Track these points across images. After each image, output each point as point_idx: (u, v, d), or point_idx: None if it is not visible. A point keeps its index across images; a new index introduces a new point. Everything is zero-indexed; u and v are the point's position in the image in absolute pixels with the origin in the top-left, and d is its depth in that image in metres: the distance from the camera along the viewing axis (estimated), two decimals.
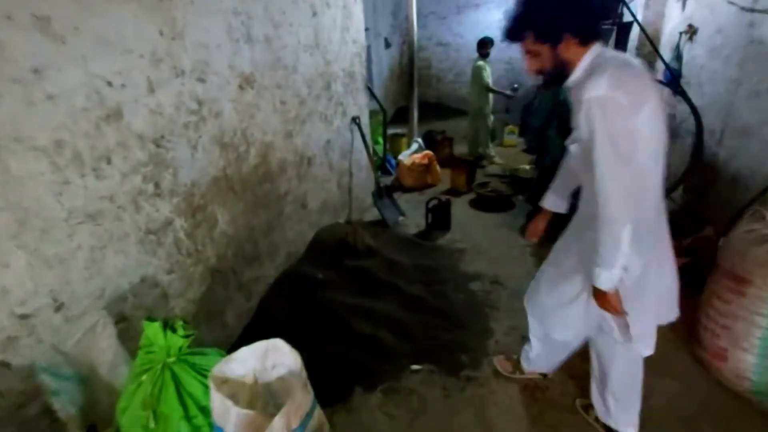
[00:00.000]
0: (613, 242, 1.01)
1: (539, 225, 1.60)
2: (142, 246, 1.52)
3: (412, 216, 3.75)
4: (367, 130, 3.70)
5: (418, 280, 2.67)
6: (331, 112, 3.03)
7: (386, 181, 4.73)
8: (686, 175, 3.04)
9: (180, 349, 1.10)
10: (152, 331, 1.07)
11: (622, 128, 0.96)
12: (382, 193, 3.68)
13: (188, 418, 1.04)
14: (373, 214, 3.70)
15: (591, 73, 1.02)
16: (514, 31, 1.12)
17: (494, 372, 1.88)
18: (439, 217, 3.40)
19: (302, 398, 0.94)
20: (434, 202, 3.41)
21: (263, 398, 1.06)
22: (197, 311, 1.84)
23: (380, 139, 4.77)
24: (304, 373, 0.99)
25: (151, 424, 1.02)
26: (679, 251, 2.66)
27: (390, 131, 5.91)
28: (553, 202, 1.53)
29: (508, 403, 1.73)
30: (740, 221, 1.72)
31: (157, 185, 1.56)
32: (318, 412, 0.98)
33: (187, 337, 1.09)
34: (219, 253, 1.95)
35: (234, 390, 1.02)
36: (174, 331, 1.08)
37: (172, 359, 1.09)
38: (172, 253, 1.66)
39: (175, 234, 1.67)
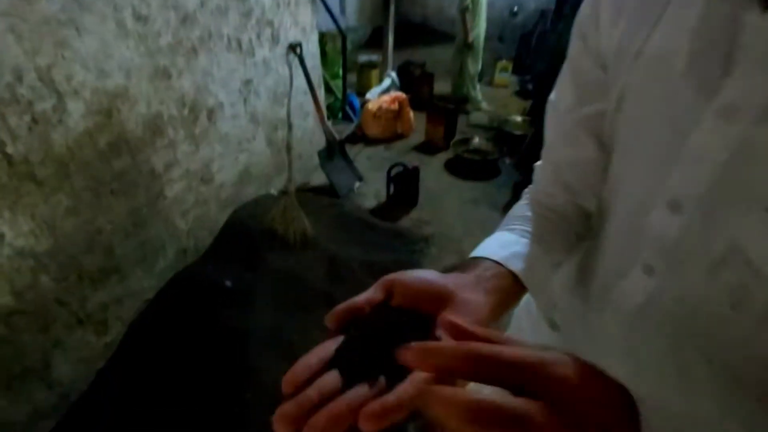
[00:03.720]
0: None
1: None
2: None
3: (372, 180, 2.97)
4: (315, 61, 2.73)
5: (365, 286, 2.00)
6: (250, 37, 2.05)
7: (347, 129, 3.83)
8: None
9: None
10: None
11: None
12: (333, 151, 2.83)
13: None
14: (323, 177, 2.90)
15: None
16: None
17: None
18: (404, 188, 2.64)
19: None
20: (398, 168, 2.62)
21: None
22: None
23: (340, 73, 3.75)
24: None
25: None
26: None
27: (362, 58, 4.79)
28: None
29: None
30: None
31: None
32: None
33: None
34: (18, 285, 1.18)
35: None
36: None
37: None
38: None
39: None
